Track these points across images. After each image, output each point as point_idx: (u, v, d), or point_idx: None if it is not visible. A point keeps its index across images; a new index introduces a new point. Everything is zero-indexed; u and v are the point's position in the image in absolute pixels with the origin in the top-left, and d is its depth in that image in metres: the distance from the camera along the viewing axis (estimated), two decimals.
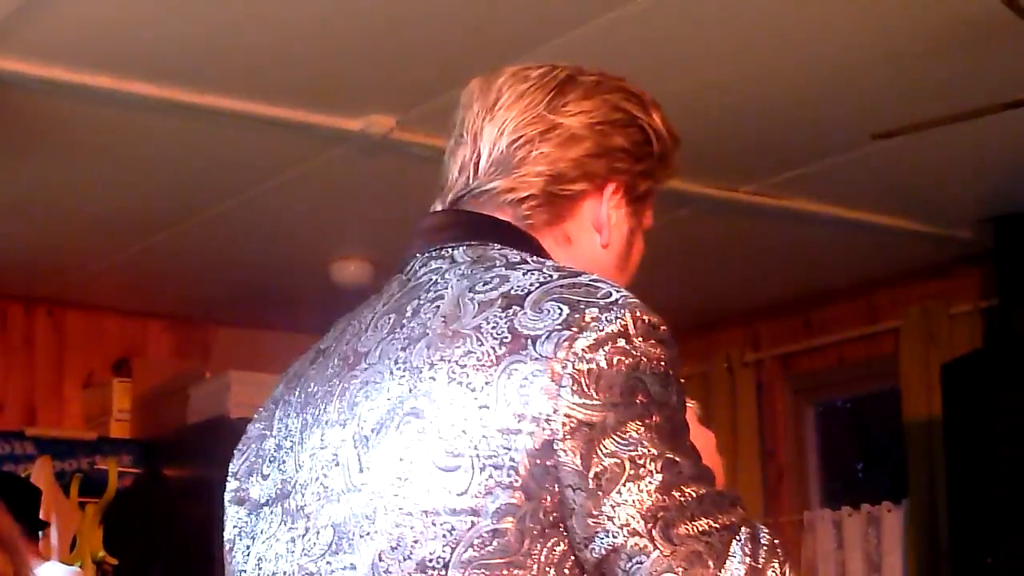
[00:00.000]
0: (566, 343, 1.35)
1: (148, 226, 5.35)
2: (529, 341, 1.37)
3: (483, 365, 1.37)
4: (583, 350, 1.35)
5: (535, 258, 1.49)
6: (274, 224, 5.39)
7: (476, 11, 3.64)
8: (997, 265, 5.49)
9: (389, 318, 1.51)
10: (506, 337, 1.38)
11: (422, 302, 1.48)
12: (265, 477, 1.58)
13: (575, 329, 1.36)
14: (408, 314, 1.48)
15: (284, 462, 1.55)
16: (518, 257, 1.49)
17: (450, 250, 1.53)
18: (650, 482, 1.33)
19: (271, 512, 1.55)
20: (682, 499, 1.33)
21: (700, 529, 1.33)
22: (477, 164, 1.59)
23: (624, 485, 1.32)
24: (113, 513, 5.83)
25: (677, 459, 1.35)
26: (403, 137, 4.37)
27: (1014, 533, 4.93)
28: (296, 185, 4.87)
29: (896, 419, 5.96)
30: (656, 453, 1.34)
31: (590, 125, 1.57)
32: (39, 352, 6.37)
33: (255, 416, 1.66)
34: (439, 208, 1.62)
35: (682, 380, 1.43)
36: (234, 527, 1.61)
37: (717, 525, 1.34)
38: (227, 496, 1.64)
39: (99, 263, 5.80)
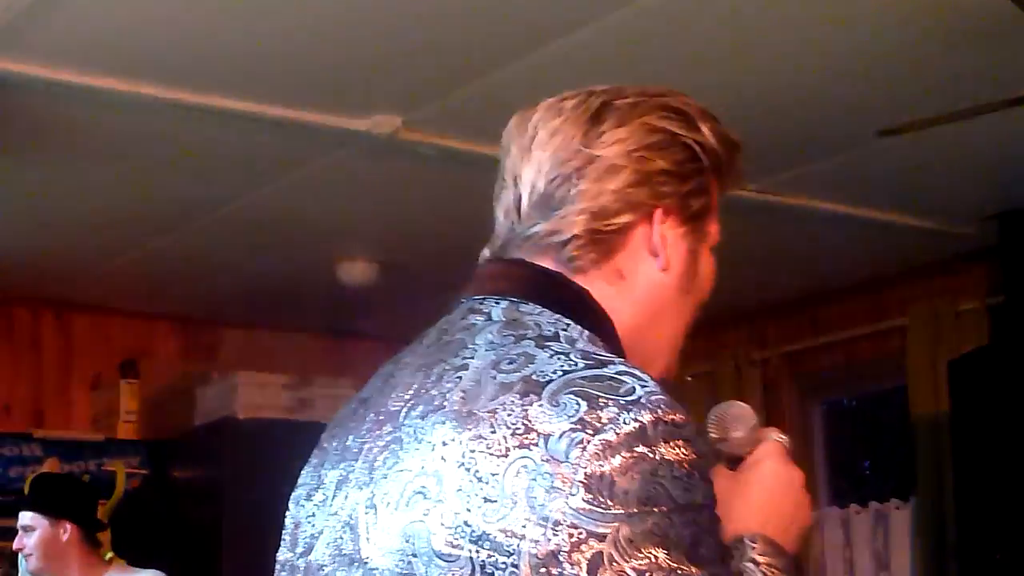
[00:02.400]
0: (579, 445, 1.28)
1: (154, 228, 5.36)
2: (541, 438, 1.29)
3: (492, 454, 1.30)
4: (597, 453, 1.27)
5: (569, 332, 1.42)
6: (280, 225, 5.39)
7: (482, 11, 3.64)
8: (1003, 262, 5.49)
9: (417, 377, 1.45)
10: (519, 428, 1.30)
11: (447, 368, 1.42)
12: (297, 526, 1.55)
13: (589, 431, 1.28)
14: (432, 378, 1.42)
15: (314, 515, 1.51)
16: (551, 330, 1.42)
17: (491, 305, 1.47)
18: None
19: (298, 567, 1.52)
20: None
21: None
22: (519, 208, 1.53)
23: None
24: (121, 514, 5.84)
25: (692, 572, 1.27)
26: (409, 137, 4.37)
27: (1023, 529, 4.93)
28: (303, 186, 4.88)
29: (903, 416, 5.96)
30: (668, 569, 1.26)
31: (627, 153, 1.49)
32: (46, 354, 6.38)
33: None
34: (487, 254, 1.56)
35: (708, 479, 1.34)
36: (279, 564, 1.58)
37: None
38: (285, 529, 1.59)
39: (106, 265, 5.81)
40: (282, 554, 1.56)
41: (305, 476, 1.57)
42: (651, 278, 1.52)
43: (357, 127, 4.31)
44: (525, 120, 1.58)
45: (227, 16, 3.64)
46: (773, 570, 1.42)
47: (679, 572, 1.26)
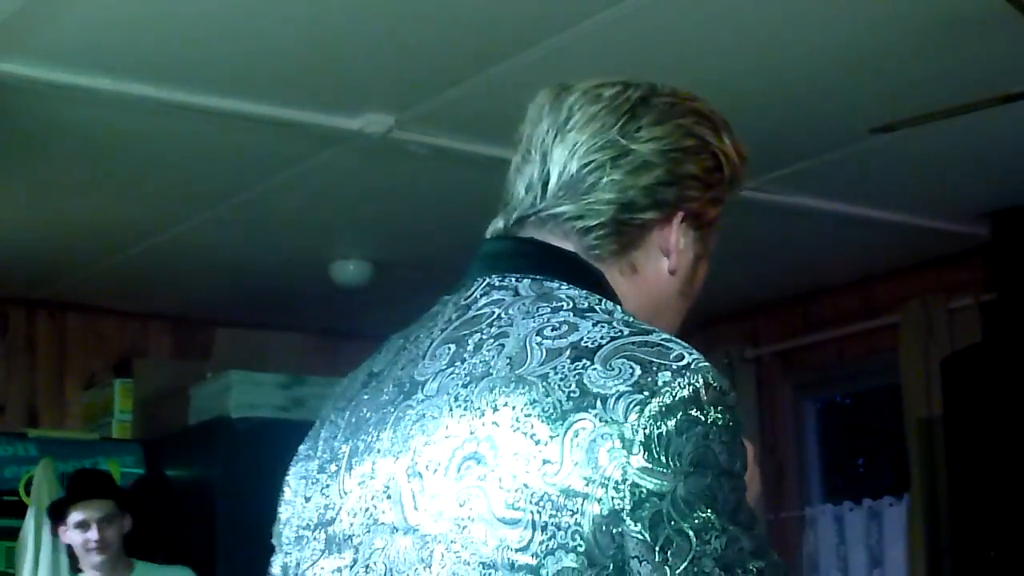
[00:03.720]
0: (637, 407, 1.32)
1: (148, 227, 5.36)
2: (598, 400, 1.33)
3: (549, 417, 1.33)
4: (655, 415, 1.32)
5: (603, 305, 1.45)
6: (274, 224, 5.40)
7: (475, 9, 3.64)
8: (996, 259, 5.50)
9: (448, 348, 1.46)
10: (574, 392, 1.34)
11: (485, 337, 1.43)
12: (308, 499, 1.54)
13: (647, 393, 1.33)
14: (470, 348, 1.43)
15: (328, 486, 1.51)
16: (585, 303, 1.44)
17: (514, 281, 1.49)
18: (714, 558, 1.31)
19: (313, 537, 1.51)
20: (743, 575, 1.32)
21: None
22: (546, 185, 1.54)
23: (689, 560, 1.30)
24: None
25: (740, 536, 1.33)
26: (402, 136, 4.37)
27: (1016, 526, 4.93)
28: (295, 185, 4.88)
29: (896, 413, 5.97)
30: (721, 529, 1.32)
31: (662, 152, 1.53)
32: (41, 354, 6.38)
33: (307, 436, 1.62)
34: (500, 225, 1.56)
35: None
36: (279, 543, 1.58)
37: None
38: (280, 507, 1.60)
39: (100, 265, 5.81)
40: (286, 531, 1.56)
41: (310, 450, 1.57)
42: (660, 278, 1.56)
43: (350, 126, 4.31)
44: (560, 99, 1.58)
45: (220, 16, 3.64)
46: None
47: (729, 532, 1.32)
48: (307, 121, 4.26)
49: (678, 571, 1.30)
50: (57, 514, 5.08)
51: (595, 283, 1.50)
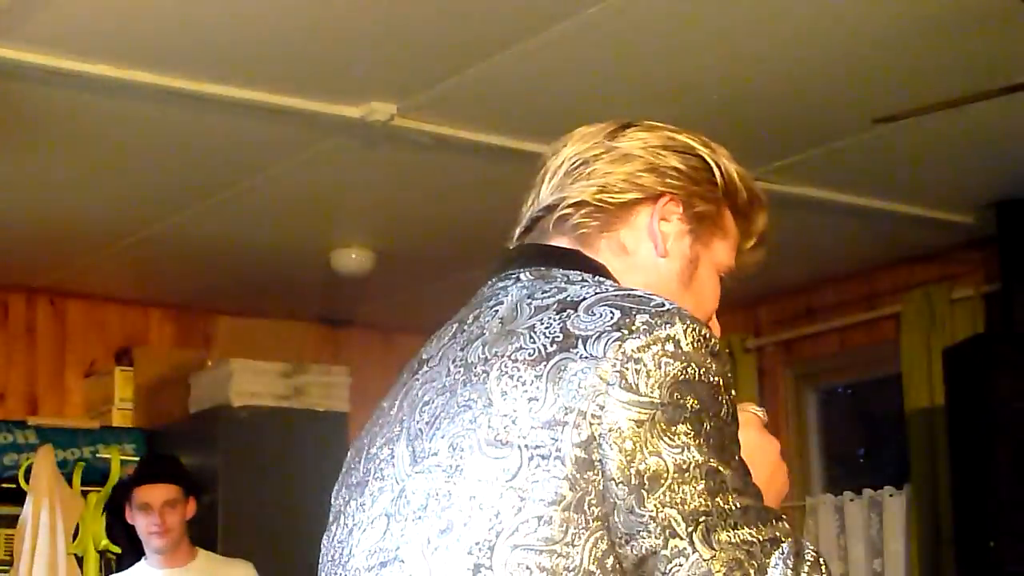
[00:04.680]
0: (616, 343, 1.38)
1: (149, 215, 5.35)
2: (580, 341, 1.40)
3: (534, 360, 1.41)
4: (633, 350, 1.38)
5: (596, 279, 1.53)
6: (275, 212, 5.39)
7: None
8: (999, 250, 5.49)
9: (452, 326, 1.57)
10: (558, 336, 1.41)
11: (483, 310, 1.54)
12: (350, 474, 1.64)
13: (625, 331, 1.39)
14: (470, 321, 1.54)
15: (363, 466, 1.60)
16: (579, 276, 1.53)
17: (518, 273, 1.57)
18: (694, 487, 1.34)
19: (354, 501, 1.59)
20: (726, 507, 1.34)
21: (742, 538, 1.34)
22: (540, 191, 1.65)
23: (667, 486, 1.34)
24: (115, 502, 5.83)
25: (721, 469, 1.36)
26: (404, 124, 4.36)
27: (1016, 517, 4.93)
28: (297, 173, 4.87)
29: (898, 404, 5.96)
30: (701, 460, 1.35)
31: (644, 147, 1.61)
32: (41, 342, 6.38)
33: None
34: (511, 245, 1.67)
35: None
36: (333, 508, 1.66)
37: (760, 537, 1.35)
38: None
39: (100, 252, 5.80)
40: (340, 492, 1.63)
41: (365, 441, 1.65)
42: (653, 260, 1.61)
43: (352, 114, 4.30)
44: (568, 134, 1.69)
45: (222, 3, 3.63)
46: None
47: (711, 464, 1.35)
48: (309, 109, 4.25)
49: (655, 495, 1.33)
50: (123, 496, 5.08)
51: (596, 272, 1.56)
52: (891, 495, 6.03)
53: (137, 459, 5.87)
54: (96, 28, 3.74)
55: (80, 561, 5.85)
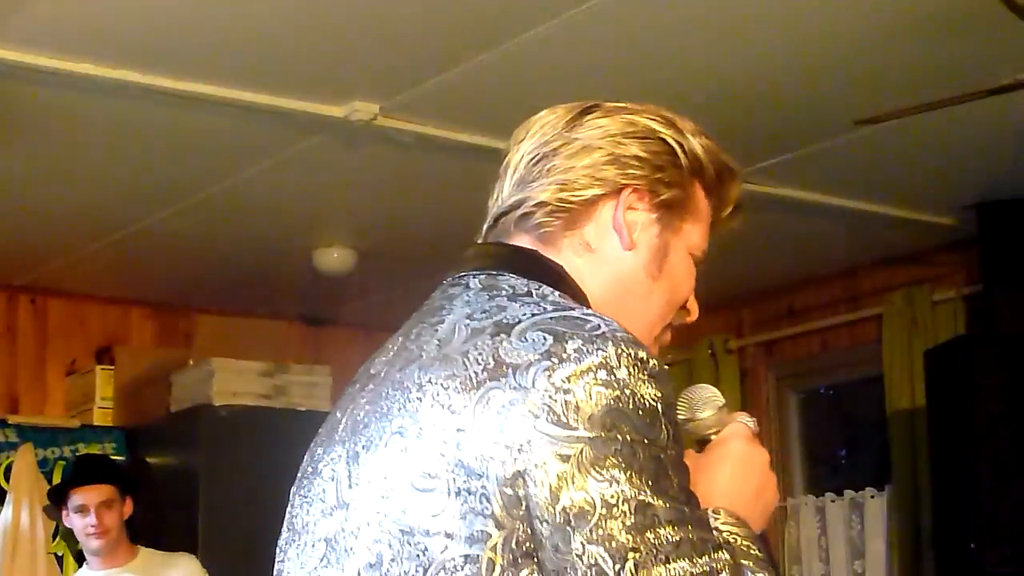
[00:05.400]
0: (545, 373, 1.34)
1: (130, 213, 5.34)
2: (510, 369, 1.36)
3: (464, 388, 1.37)
4: (562, 380, 1.33)
5: (541, 290, 1.49)
6: (257, 211, 5.38)
7: None
8: (980, 252, 5.50)
9: (397, 340, 1.55)
10: (489, 363, 1.37)
11: (425, 326, 1.50)
12: (295, 492, 1.62)
13: (555, 359, 1.35)
14: (412, 337, 1.51)
15: (312, 479, 1.57)
16: (525, 288, 1.49)
17: (469, 278, 1.54)
18: (622, 522, 1.29)
19: (300, 525, 1.57)
20: (656, 542, 1.29)
21: (675, 572, 1.29)
22: (502, 191, 1.61)
23: (594, 523, 1.29)
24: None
25: (653, 502, 1.30)
26: (387, 123, 4.36)
27: (997, 519, 4.94)
28: (279, 172, 4.86)
29: (879, 405, 5.97)
30: (631, 494, 1.30)
31: (603, 136, 1.57)
32: (21, 340, 6.36)
33: None
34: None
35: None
36: (288, 511, 1.64)
37: (695, 570, 1.31)
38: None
39: (81, 251, 5.78)
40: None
41: (308, 457, 1.62)
42: (617, 256, 1.57)
43: (335, 114, 4.29)
44: (526, 123, 1.65)
45: (205, 2, 3.62)
46: (736, 537, 1.44)
47: (640, 498, 1.30)
48: (292, 108, 4.24)
49: (581, 532, 1.29)
50: (58, 498, 5.06)
51: (552, 276, 1.53)
52: (872, 496, 6.04)
53: (119, 458, 5.86)
54: (78, 27, 3.72)
55: (60, 560, 5.84)
